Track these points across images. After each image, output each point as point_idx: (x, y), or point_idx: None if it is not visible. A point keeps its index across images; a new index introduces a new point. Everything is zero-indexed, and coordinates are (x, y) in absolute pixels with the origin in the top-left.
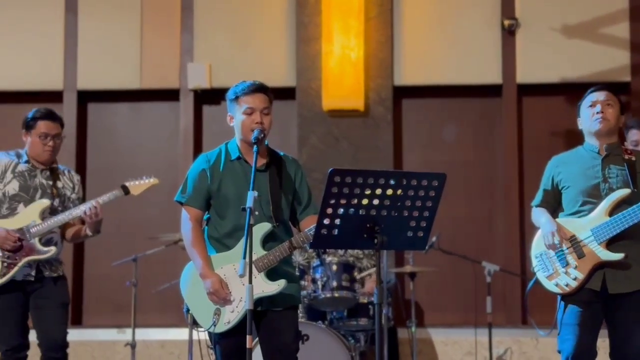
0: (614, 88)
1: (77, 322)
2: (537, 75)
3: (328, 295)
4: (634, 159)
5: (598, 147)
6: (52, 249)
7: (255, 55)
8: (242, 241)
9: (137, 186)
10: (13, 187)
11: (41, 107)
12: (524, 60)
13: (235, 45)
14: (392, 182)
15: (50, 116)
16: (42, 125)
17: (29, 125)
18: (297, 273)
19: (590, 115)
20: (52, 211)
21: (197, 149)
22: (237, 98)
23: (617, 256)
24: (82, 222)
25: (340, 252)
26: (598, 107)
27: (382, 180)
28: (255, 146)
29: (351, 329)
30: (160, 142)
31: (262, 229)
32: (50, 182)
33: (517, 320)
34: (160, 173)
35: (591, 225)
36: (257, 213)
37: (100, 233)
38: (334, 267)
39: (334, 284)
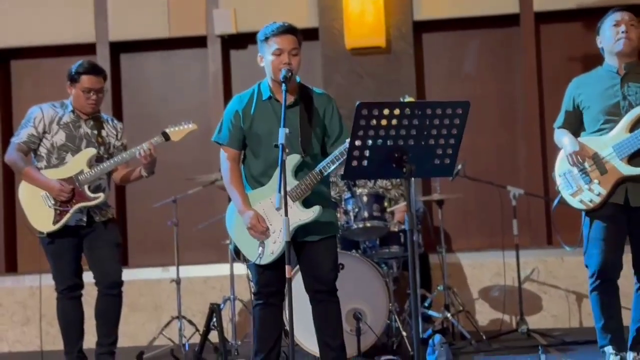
0: (633, 10)
1: (124, 262)
2: (553, 2)
3: (360, 225)
4: None
5: (617, 67)
6: (101, 195)
7: None
8: (276, 176)
9: (177, 132)
10: (60, 137)
11: (85, 61)
12: None
13: None
14: (417, 111)
15: (94, 71)
16: (86, 80)
17: (72, 79)
18: None
19: (614, 34)
20: (98, 159)
21: (227, 92)
22: (266, 39)
23: (639, 170)
24: (128, 165)
25: (370, 183)
26: (623, 27)
27: (407, 110)
28: (283, 85)
29: (384, 256)
30: (191, 87)
31: (292, 160)
32: (95, 132)
33: (542, 241)
34: (192, 117)
35: (612, 142)
36: (287, 150)
37: (154, 174)
38: (365, 199)
39: (366, 214)
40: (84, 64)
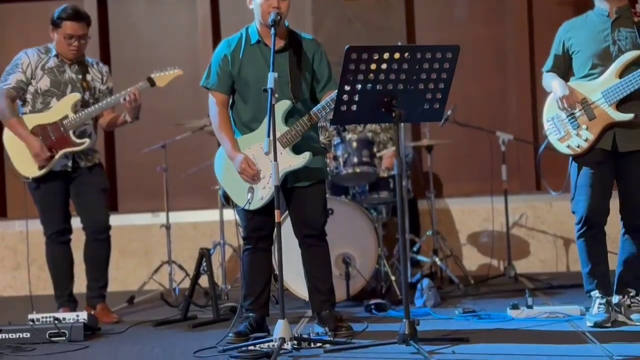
0: None
1: (113, 208)
2: None
3: (350, 171)
4: None
5: (608, 11)
6: (86, 141)
7: None
8: (265, 121)
9: (162, 77)
10: (45, 83)
11: (68, 6)
12: None
13: None
14: (406, 55)
15: (76, 17)
16: (68, 26)
17: (55, 24)
18: None
19: None
20: (84, 104)
21: (216, 38)
22: None
23: (628, 116)
24: (113, 111)
25: (359, 128)
26: None
27: (397, 54)
28: (272, 29)
29: (373, 202)
30: (179, 32)
31: (282, 106)
32: (80, 76)
33: (531, 187)
34: (181, 63)
35: (602, 88)
36: (276, 95)
37: (139, 119)
38: (354, 144)
39: (355, 160)
40: (66, 9)
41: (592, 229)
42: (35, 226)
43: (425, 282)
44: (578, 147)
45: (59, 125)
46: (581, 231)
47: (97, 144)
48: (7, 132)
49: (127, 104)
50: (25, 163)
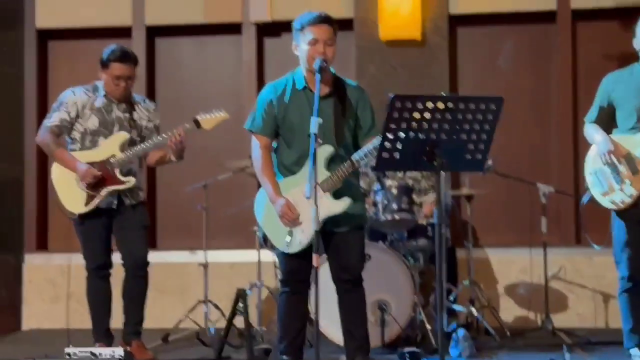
0: None
1: (152, 245)
2: (591, 0)
3: (389, 217)
4: None
5: None
6: (131, 179)
7: None
8: (307, 165)
9: (208, 120)
10: (93, 122)
11: (117, 47)
12: None
13: None
14: (450, 105)
15: (124, 58)
16: (116, 68)
17: (103, 65)
18: None
19: None
20: (131, 142)
21: (260, 80)
22: (302, 28)
23: None
24: (160, 149)
25: (400, 175)
26: None
27: (440, 104)
28: (317, 75)
29: (411, 249)
30: (225, 74)
31: (325, 152)
32: (127, 115)
33: (570, 240)
34: (225, 103)
35: None
36: (320, 141)
37: (183, 159)
38: (394, 191)
39: (394, 206)
40: (115, 51)
41: (635, 286)
42: (76, 260)
43: (461, 332)
44: (622, 202)
45: (105, 164)
46: (624, 287)
47: (141, 181)
48: (54, 169)
49: (172, 145)
50: (72, 199)
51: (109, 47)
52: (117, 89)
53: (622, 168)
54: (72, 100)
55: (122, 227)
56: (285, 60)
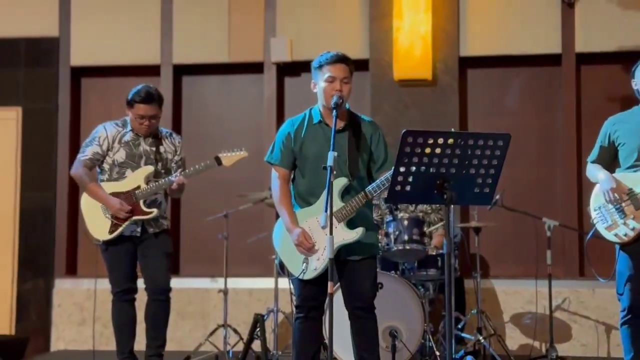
0: None
1: (175, 271)
2: (595, 44)
3: (400, 247)
4: None
5: None
6: (154, 211)
7: (333, 31)
8: (323, 196)
9: (229, 158)
10: (121, 155)
11: (142, 88)
12: (582, 30)
13: (314, 21)
14: (459, 141)
15: (148, 99)
16: (141, 108)
17: (129, 104)
18: None
19: None
20: (156, 174)
21: (280, 116)
22: (320, 67)
23: None
24: None
25: (411, 208)
26: None
27: (450, 140)
28: (334, 111)
29: (421, 278)
30: (247, 110)
31: (339, 183)
32: (154, 149)
33: (575, 272)
34: (247, 138)
35: None
36: (335, 173)
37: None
38: (405, 222)
39: (405, 237)
40: (140, 92)
41: (636, 318)
42: (102, 285)
43: (469, 359)
44: (625, 235)
45: (131, 195)
46: (626, 318)
47: (165, 211)
48: (84, 198)
49: (175, 186)
50: (98, 227)
51: (136, 87)
52: (141, 127)
53: (625, 205)
54: (103, 135)
55: (146, 254)
56: (305, 98)
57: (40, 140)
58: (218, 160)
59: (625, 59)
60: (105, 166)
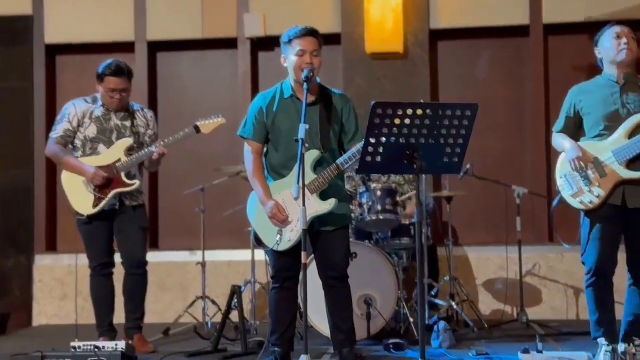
0: (632, 25)
1: (154, 245)
2: (562, 14)
3: (373, 217)
4: None
5: (616, 77)
6: (137, 182)
7: (305, 5)
8: (296, 169)
9: (207, 125)
10: (92, 131)
11: (112, 62)
12: (549, 1)
13: None
14: (428, 112)
15: (118, 73)
16: (111, 81)
17: (99, 78)
18: None
19: (616, 46)
20: (131, 149)
21: (254, 91)
22: (290, 41)
23: (637, 174)
24: None
25: (384, 179)
26: (624, 39)
27: (419, 111)
28: (305, 84)
29: (395, 247)
30: (221, 86)
31: (311, 155)
32: (127, 123)
33: (544, 239)
34: (222, 114)
35: (612, 147)
36: (307, 145)
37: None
38: (378, 193)
39: (379, 207)
40: (110, 66)
41: (600, 279)
42: (83, 260)
43: (442, 324)
44: (590, 202)
45: (112, 168)
46: (590, 281)
47: (142, 186)
48: (64, 174)
49: (156, 156)
50: (81, 202)
51: (106, 61)
52: (112, 101)
53: (590, 172)
54: (73, 112)
55: (122, 229)
56: (278, 73)
57: (17, 118)
58: (197, 129)
59: (592, 29)
60: (78, 142)
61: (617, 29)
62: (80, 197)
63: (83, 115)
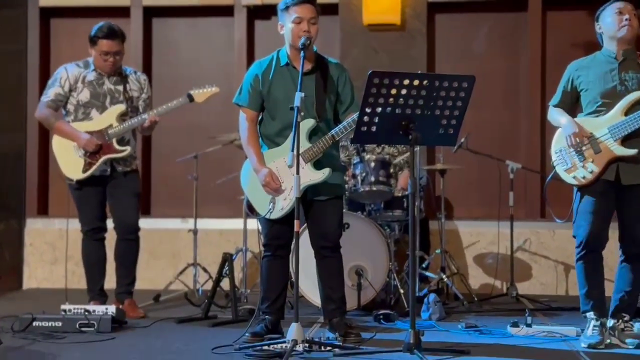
0: (633, 2)
1: (147, 212)
2: None
3: (367, 188)
4: None
5: (615, 53)
6: (127, 148)
7: None
8: (290, 137)
9: (200, 94)
10: (85, 95)
11: (104, 24)
12: None
13: None
14: (425, 83)
15: (111, 35)
16: (104, 44)
17: (92, 41)
18: None
19: (618, 21)
20: (124, 114)
21: (250, 59)
22: (287, 8)
23: (631, 152)
24: None
25: (378, 150)
26: (627, 15)
27: (416, 81)
28: (302, 52)
29: (387, 219)
30: (217, 53)
31: (307, 124)
32: (120, 87)
33: (536, 214)
34: (217, 81)
35: (608, 124)
36: (302, 114)
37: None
38: (372, 164)
39: (372, 178)
40: (102, 28)
41: (591, 253)
42: (74, 225)
43: (432, 296)
44: (584, 178)
45: (103, 134)
46: (580, 254)
47: (135, 151)
48: (55, 139)
49: (147, 123)
50: (71, 166)
51: (98, 24)
52: (105, 64)
53: (585, 147)
54: (64, 75)
55: (115, 194)
56: (274, 41)
57: (10, 82)
58: (190, 97)
59: (590, 4)
60: (70, 107)
61: (619, 4)
62: (70, 162)
63: (75, 80)
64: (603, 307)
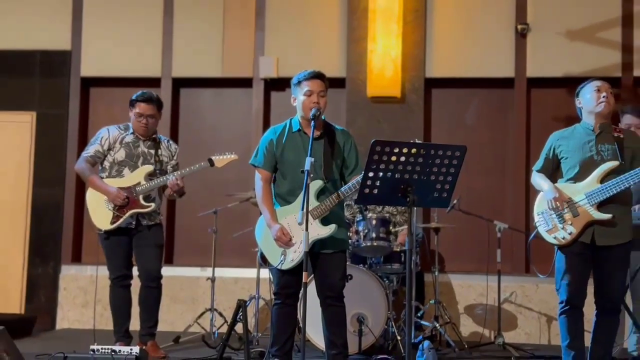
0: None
1: (169, 261)
2: (544, 70)
3: (368, 244)
4: (622, 136)
5: (593, 126)
6: (152, 205)
7: (314, 51)
8: (301, 196)
9: (220, 160)
10: (121, 155)
11: (145, 91)
12: (533, 57)
13: (299, 43)
14: (421, 151)
15: (147, 100)
16: (140, 107)
17: (131, 104)
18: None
19: (596, 98)
20: (152, 175)
21: (266, 126)
22: (299, 82)
23: (606, 216)
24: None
25: (379, 209)
26: (604, 93)
27: (414, 150)
28: (312, 121)
29: (386, 271)
30: (237, 120)
31: (315, 185)
32: (152, 151)
33: (521, 270)
34: (237, 145)
35: (585, 190)
36: (311, 176)
37: (184, 195)
38: (374, 222)
39: (373, 235)
40: (143, 94)
41: (572, 309)
42: (103, 271)
43: (426, 343)
44: (563, 239)
45: (132, 190)
46: (563, 309)
47: (160, 207)
48: (89, 192)
49: (172, 185)
50: (101, 218)
51: (138, 92)
52: (139, 125)
53: (565, 211)
54: (105, 135)
55: (139, 245)
56: (288, 110)
57: (52, 142)
58: (211, 162)
59: (570, 84)
60: (106, 164)
61: (598, 83)
62: (100, 214)
63: (114, 140)
64: (583, 357)
